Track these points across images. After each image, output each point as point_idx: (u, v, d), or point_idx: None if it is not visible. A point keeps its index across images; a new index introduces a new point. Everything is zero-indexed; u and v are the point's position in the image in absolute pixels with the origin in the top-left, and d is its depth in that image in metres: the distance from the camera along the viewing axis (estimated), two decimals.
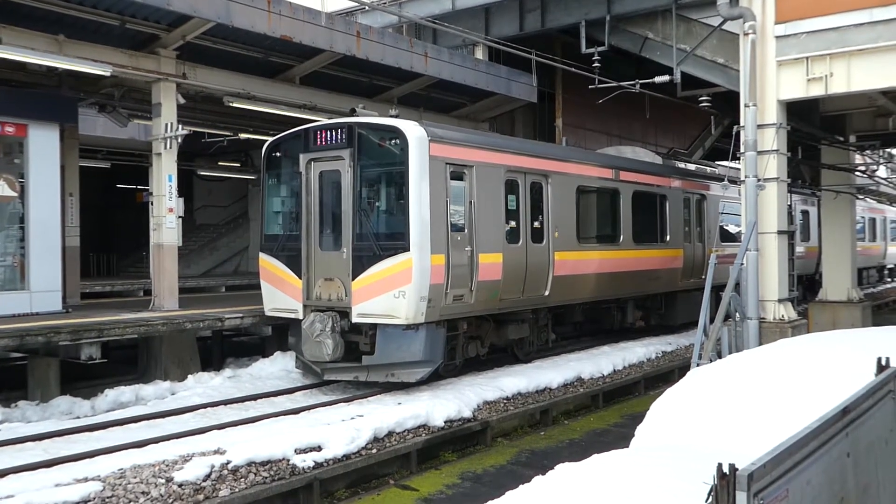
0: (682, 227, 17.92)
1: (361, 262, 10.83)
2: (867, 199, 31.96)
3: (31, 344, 10.02)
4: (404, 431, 9.29)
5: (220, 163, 24.95)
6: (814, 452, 3.53)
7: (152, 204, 13.22)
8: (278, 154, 12.35)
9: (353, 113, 11.77)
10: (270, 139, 12.63)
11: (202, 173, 25.41)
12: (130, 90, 14.42)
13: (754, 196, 12.45)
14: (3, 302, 12.00)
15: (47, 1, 11.14)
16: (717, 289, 12.42)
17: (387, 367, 10.93)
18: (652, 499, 4.14)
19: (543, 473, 4.96)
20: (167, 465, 7.48)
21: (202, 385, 11.40)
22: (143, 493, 6.95)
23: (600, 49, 16.53)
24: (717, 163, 24.04)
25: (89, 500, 6.72)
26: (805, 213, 26.02)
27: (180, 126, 13.17)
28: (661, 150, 22.53)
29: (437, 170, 10.86)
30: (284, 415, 9.83)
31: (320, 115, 15.12)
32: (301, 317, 11.33)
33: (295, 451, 8.07)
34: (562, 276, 13.34)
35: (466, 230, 11.37)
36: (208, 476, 7.37)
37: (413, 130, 10.76)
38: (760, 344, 11.31)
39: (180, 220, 13.28)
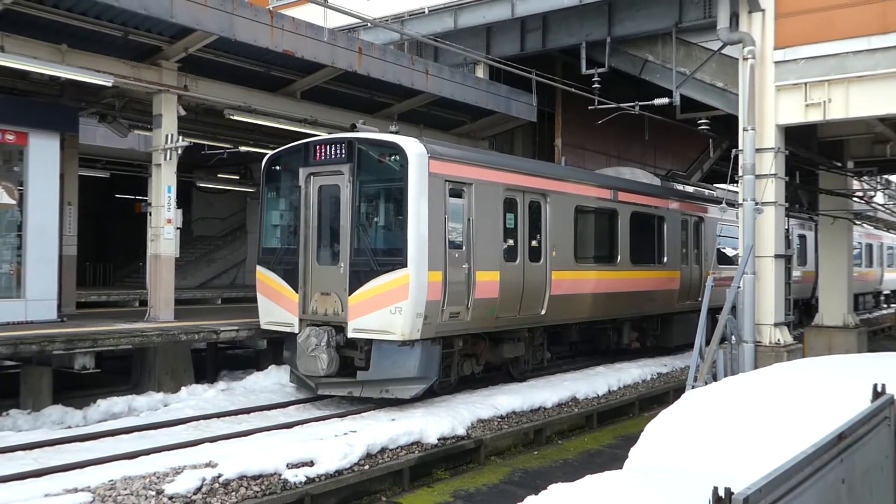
0: (680, 249, 17.95)
1: (358, 278, 10.83)
2: (864, 225, 32.04)
3: (24, 352, 9.98)
4: (397, 448, 9.24)
5: (219, 175, 24.99)
6: (809, 477, 3.51)
7: (150, 214, 13.21)
8: (278, 167, 12.37)
9: (353, 128, 11.81)
10: (270, 152, 12.65)
11: (201, 185, 25.44)
12: (131, 101, 14.47)
13: (752, 219, 12.49)
14: None
15: (51, 11, 11.18)
16: (714, 311, 12.43)
17: (381, 383, 10.90)
18: None
19: (536, 493, 4.93)
20: (158, 478, 7.43)
21: (195, 397, 11.35)
22: None
23: (600, 70, 16.61)
24: (715, 185, 24.14)
25: None
26: (802, 238, 26.09)
27: (181, 137, 13.20)
28: (659, 171, 22.62)
29: (436, 187, 10.88)
30: (277, 429, 9.79)
31: (321, 129, 15.16)
32: (297, 331, 11.30)
33: (287, 465, 8.02)
34: (558, 296, 13.33)
35: (464, 247, 11.38)
36: (199, 489, 7.32)
37: (413, 147, 10.79)
38: (756, 367, 11.30)
39: (178, 231, 13.28)
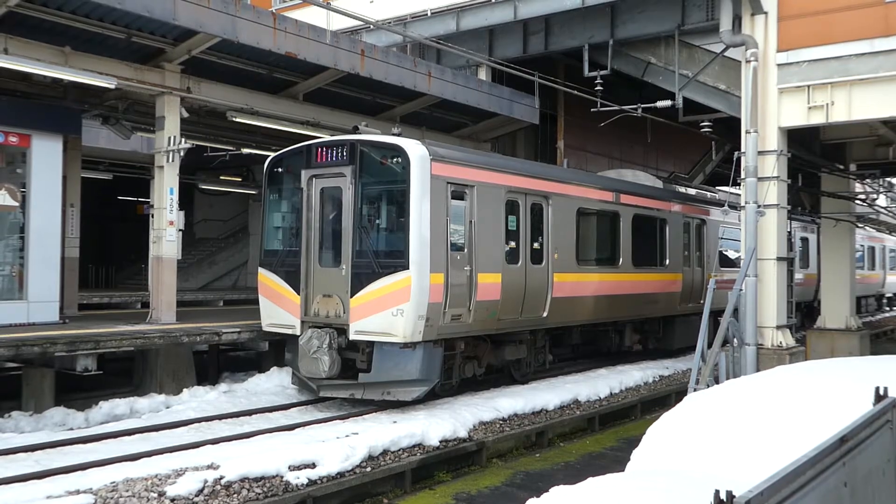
0: (682, 252, 17.93)
1: (360, 280, 10.83)
2: (866, 228, 32.01)
3: (26, 354, 9.99)
4: (399, 450, 9.24)
5: (221, 177, 25.01)
6: (811, 481, 3.50)
7: (153, 216, 13.24)
8: (280, 169, 12.39)
9: (355, 130, 11.82)
10: (272, 154, 12.67)
11: (203, 187, 25.46)
12: (134, 103, 14.49)
13: (754, 222, 12.48)
14: (0, 311, 11.98)
15: (54, 13, 11.21)
16: (716, 314, 12.42)
17: (383, 385, 10.89)
18: None
19: (538, 495, 4.91)
20: (160, 479, 7.43)
21: (197, 399, 11.36)
22: None
23: (603, 73, 16.61)
24: (717, 188, 24.13)
25: None
26: (804, 241, 26.07)
27: (183, 139, 13.22)
28: (661, 174, 22.60)
29: (438, 189, 10.88)
30: (279, 431, 9.80)
31: (323, 131, 15.17)
32: (298, 333, 11.31)
33: (289, 467, 8.02)
34: (560, 298, 13.32)
35: (466, 250, 11.38)
36: (201, 491, 7.32)
37: (415, 149, 10.80)
38: (758, 370, 11.29)
39: (180, 233, 13.29)
